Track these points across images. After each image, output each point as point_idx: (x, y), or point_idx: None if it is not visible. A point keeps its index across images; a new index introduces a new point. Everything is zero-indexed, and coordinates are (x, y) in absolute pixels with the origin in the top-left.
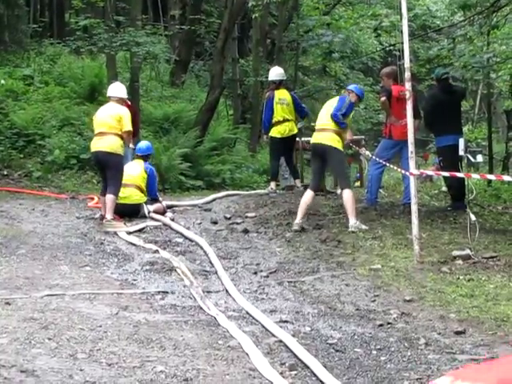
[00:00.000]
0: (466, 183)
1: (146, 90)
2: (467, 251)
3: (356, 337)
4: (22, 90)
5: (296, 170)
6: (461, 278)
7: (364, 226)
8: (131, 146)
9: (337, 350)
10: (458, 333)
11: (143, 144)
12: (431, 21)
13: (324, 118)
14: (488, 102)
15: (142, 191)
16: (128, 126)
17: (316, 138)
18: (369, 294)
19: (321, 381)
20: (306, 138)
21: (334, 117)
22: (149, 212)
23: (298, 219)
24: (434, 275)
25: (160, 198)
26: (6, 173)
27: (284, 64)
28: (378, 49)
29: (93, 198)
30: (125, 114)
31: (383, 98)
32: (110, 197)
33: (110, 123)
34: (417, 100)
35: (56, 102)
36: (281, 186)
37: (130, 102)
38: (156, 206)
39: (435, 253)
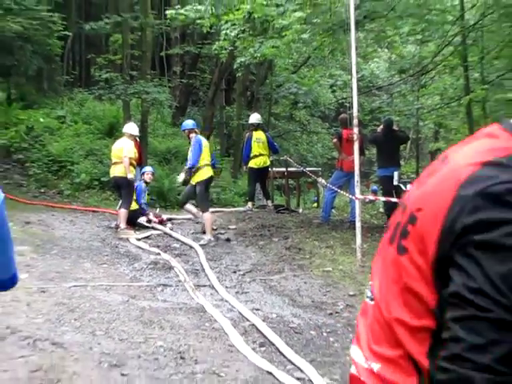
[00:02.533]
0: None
1: (153, 128)
2: None
3: (311, 322)
4: (57, 126)
5: (268, 193)
6: None
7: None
8: (130, 175)
9: (296, 332)
10: None
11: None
12: (375, 80)
13: (207, 155)
14: (416, 145)
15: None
16: (124, 153)
17: (209, 171)
18: (322, 289)
19: (284, 355)
20: (276, 169)
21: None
22: (150, 221)
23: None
24: None
25: (147, 210)
26: (43, 190)
27: (260, 111)
28: (333, 101)
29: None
30: (125, 145)
31: (335, 140)
32: (122, 211)
33: (118, 154)
34: (362, 141)
35: (83, 136)
36: (256, 205)
37: (138, 140)
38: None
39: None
